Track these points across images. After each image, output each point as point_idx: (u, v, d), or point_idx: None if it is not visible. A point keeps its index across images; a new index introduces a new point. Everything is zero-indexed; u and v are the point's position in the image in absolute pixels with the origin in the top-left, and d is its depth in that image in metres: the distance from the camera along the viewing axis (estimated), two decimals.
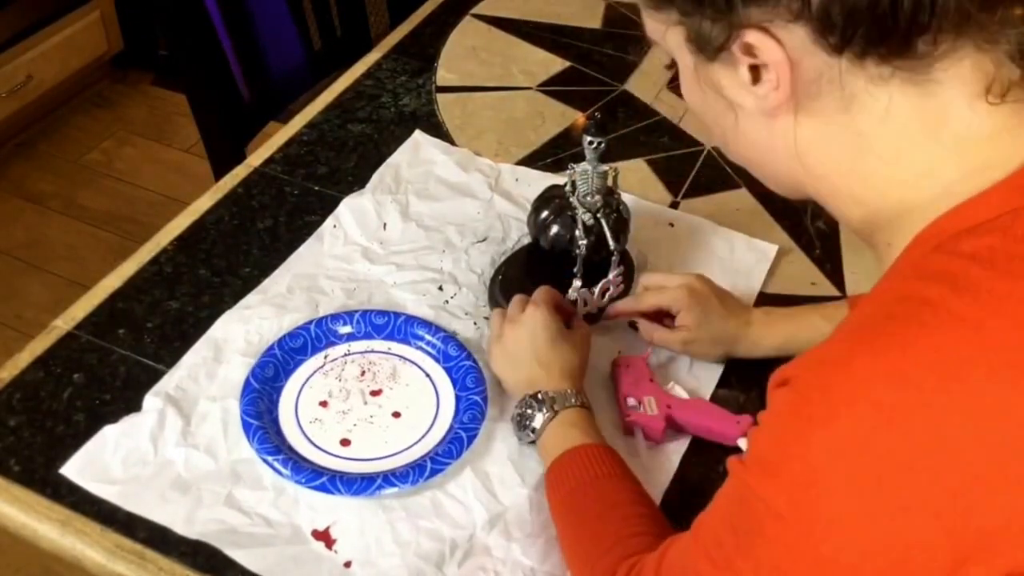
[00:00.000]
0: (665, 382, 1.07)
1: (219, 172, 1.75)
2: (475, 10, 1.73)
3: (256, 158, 1.36)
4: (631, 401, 1.04)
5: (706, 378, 1.09)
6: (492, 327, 1.07)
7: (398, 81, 1.54)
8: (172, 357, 1.07)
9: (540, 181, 1.32)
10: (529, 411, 0.98)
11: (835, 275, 1.23)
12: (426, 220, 1.27)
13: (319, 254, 1.20)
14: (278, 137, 1.41)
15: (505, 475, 0.99)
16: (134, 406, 1.02)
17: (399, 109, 1.47)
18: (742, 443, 0.98)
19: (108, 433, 0.99)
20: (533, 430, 0.97)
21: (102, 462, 0.96)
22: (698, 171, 1.39)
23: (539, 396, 0.98)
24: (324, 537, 0.92)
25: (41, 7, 2.72)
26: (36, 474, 0.96)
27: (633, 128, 1.47)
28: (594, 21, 1.72)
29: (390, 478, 0.95)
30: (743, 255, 1.25)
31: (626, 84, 1.57)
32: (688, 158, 1.41)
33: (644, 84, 1.57)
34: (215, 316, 1.12)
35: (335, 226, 1.24)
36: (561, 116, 1.49)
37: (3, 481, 0.96)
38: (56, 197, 2.72)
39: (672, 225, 1.29)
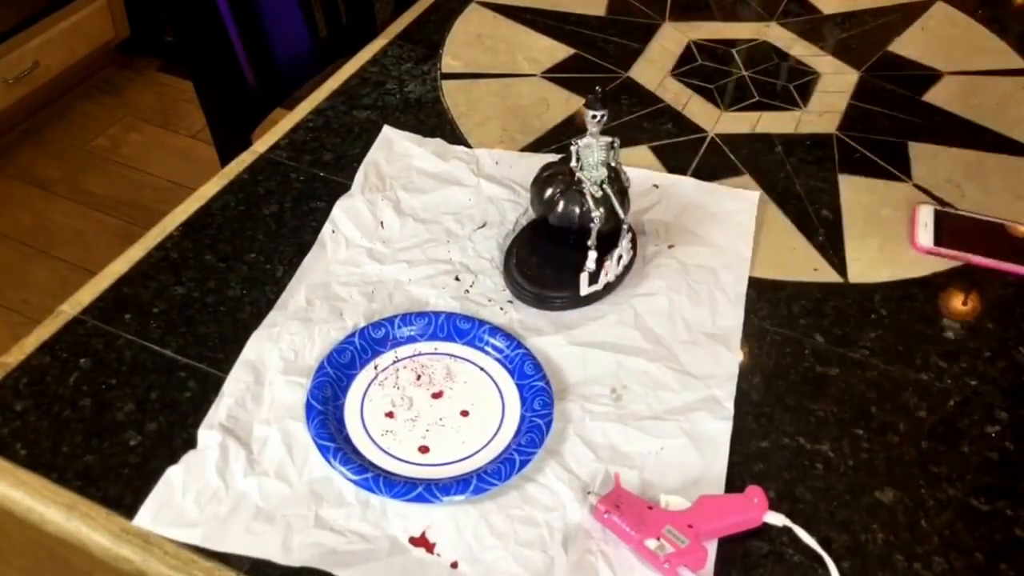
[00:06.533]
0: (653, 498, 0.96)
1: (225, 158, 1.76)
2: None
3: (262, 144, 1.37)
4: (653, 544, 0.90)
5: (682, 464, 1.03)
6: None
7: (403, 68, 1.54)
8: (178, 343, 1.08)
9: (519, 162, 1.35)
10: None
11: (838, 261, 1.23)
12: (420, 213, 1.27)
13: (326, 261, 1.19)
14: (284, 123, 1.41)
15: (578, 452, 0.99)
16: (140, 392, 1.03)
17: (404, 96, 1.48)
18: (770, 518, 0.93)
19: (173, 474, 0.96)
20: None
21: (174, 506, 0.93)
22: (702, 157, 1.39)
23: None
24: (423, 543, 0.91)
25: None
26: (42, 458, 0.97)
27: (637, 115, 1.47)
28: (598, 8, 1.72)
29: (484, 477, 0.94)
30: (729, 204, 1.30)
31: (630, 71, 1.57)
32: (691, 144, 1.42)
33: (648, 71, 1.57)
34: (221, 302, 1.13)
35: (333, 231, 1.23)
36: (565, 103, 1.49)
37: (9, 465, 0.96)
38: (62, 183, 2.73)
39: (656, 186, 1.32)
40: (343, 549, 0.91)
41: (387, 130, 1.40)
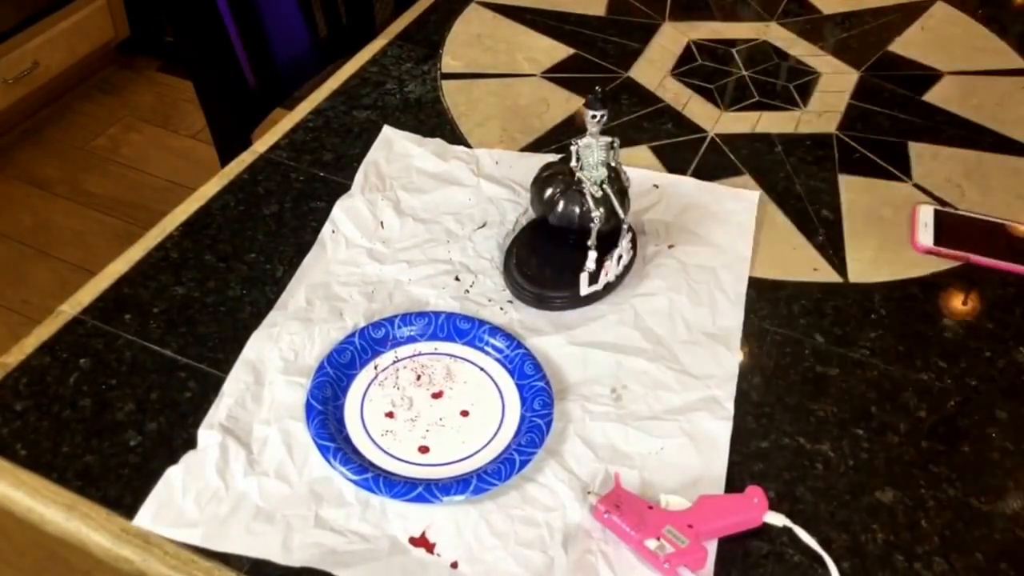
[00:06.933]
0: (653, 498, 0.96)
1: (225, 158, 1.76)
2: None
3: (262, 144, 1.37)
4: (653, 544, 0.90)
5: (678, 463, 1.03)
6: None
7: (403, 68, 1.54)
8: (178, 343, 1.08)
9: (519, 162, 1.36)
10: None
11: (838, 261, 1.23)
12: (420, 213, 1.27)
13: (325, 261, 1.19)
14: (284, 123, 1.41)
15: (577, 452, 0.99)
16: (140, 392, 1.03)
17: (404, 96, 1.48)
18: (770, 518, 0.93)
19: (173, 474, 0.96)
20: None
21: (174, 506, 0.93)
22: (701, 157, 1.39)
23: None
24: (423, 543, 0.91)
25: None
26: (42, 458, 0.97)
27: (637, 115, 1.47)
28: (598, 8, 1.72)
29: (484, 477, 0.94)
30: (729, 204, 1.30)
31: (630, 71, 1.57)
32: (691, 144, 1.42)
33: (648, 71, 1.57)
34: (221, 302, 1.13)
35: (333, 231, 1.23)
36: (565, 103, 1.49)
37: (9, 465, 0.96)
38: (62, 183, 2.73)
39: (656, 186, 1.32)
40: (343, 549, 0.90)
41: (387, 130, 1.40)
